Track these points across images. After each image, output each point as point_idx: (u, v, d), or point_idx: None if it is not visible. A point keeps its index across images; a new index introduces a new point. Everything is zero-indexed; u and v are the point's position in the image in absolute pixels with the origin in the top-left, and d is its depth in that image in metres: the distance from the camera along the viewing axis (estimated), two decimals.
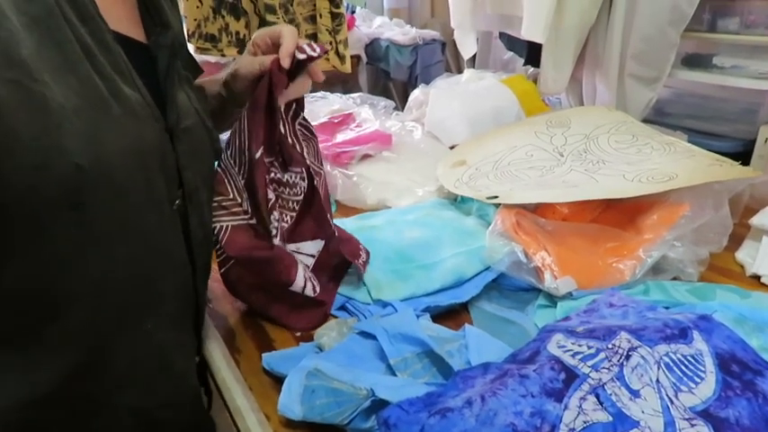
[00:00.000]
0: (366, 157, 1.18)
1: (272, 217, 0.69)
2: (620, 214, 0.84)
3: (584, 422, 0.46)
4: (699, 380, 0.50)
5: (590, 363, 0.50)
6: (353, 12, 3.52)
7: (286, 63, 0.66)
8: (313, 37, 1.73)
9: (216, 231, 0.68)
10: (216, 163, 0.70)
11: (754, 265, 0.80)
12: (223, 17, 1.69)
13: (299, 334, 0.71)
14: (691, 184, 0.77)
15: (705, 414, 0.47)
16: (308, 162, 0.74)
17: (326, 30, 1.70)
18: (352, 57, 2.01)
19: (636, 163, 0.90)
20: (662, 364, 0.51)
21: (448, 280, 0.77)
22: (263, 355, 0.64)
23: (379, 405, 0.52)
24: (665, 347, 0.52)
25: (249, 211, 0.70)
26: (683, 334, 0.54)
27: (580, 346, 0.53)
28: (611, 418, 0.46)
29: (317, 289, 0.72)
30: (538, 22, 1.26)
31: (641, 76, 1.28)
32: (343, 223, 0.91)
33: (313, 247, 0.76)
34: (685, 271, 0.75)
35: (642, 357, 0.50)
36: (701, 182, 0.77)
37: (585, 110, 1.29)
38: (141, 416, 0.56)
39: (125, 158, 0.48)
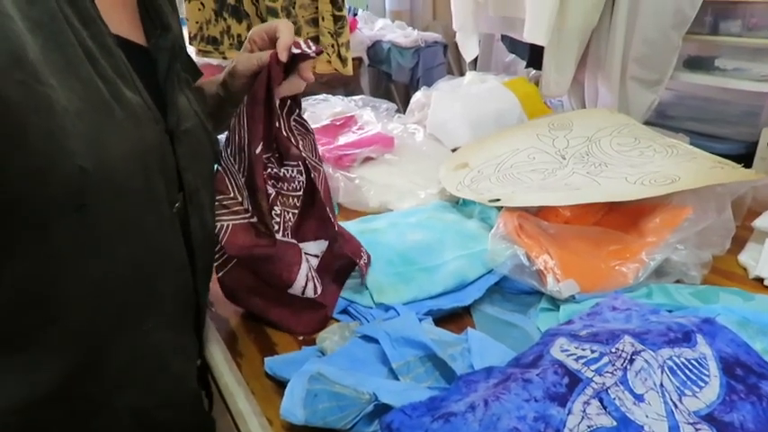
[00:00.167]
0: (368, 159, 1.18)
1: (272, 212, 0.69)
2: (622, 217, 0.84)
3: (588, 427, 0.45)
4: (703, 384, 0.50)
5: (593, 367, 0.50)
6: (355, 14, 3.52)
7: (284, 56, 0.66)
8: (315, 40, 1.73)
9: (216, 231, 0.68)
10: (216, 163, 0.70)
11: (757, 267, 0.79)
12: (225, 20, 1.69)
13: (301, 338, 0.71)
14: (693, 186, 0.77)
15: (709, 418, 0.47)
16: (303, 155, 0.74)
17: (328, 32, 1.70)
18: (353, 59, 2.01)
19: (638, 166, 0.90)
20: (666, 368, 0.50)
21: (450, 283, 0.77)
22: (266, 358, 0.64)
23: (381, 409, 0.51)
24: (668, 351, 0.52)
25: (250, 209, 0.70)
26: (686, 337, 0.54)
27: (583, 350, 0.52)
28: (615, 423, 0.46)
29: (319, 289, 0.72)
30: (540, 25, 1.26)
31: (643, 79, 1.28)
32: (346, 226, 0.90)
33: (316, 247, 0.76)
34: (688, 274, 0.75)
35: (646, 361, 0.50)
36: (704, 185, 0.77)
37: (587, 112, 1.29)
38: (140, 416, 0.56)
39: (127, 161, 0.48)
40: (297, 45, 0.68)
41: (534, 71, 1.63)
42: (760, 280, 0.79)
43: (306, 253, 0.74)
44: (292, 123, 0.74)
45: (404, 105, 1.66)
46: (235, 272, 0.72)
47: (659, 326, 0.55)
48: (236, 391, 0.62)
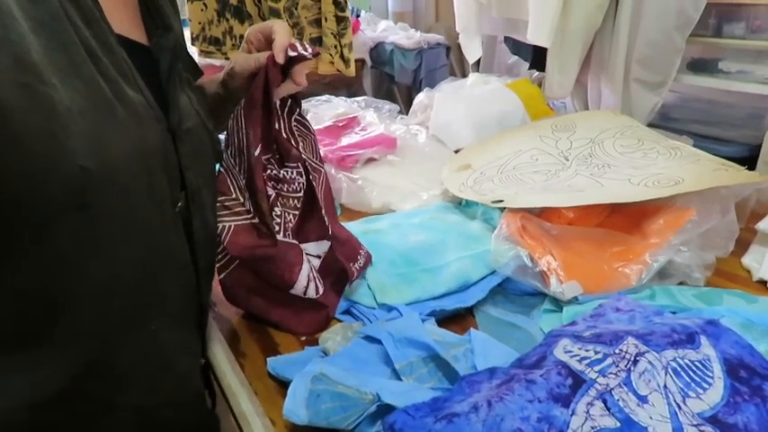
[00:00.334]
0: (371, 160, 1.18)
1: (273, 213, 0.69)
2: (625, 218, 0.84)
3: (592, 428, 0.45)
4: (707, 385, 0.50)
5: (597, 368, 0.50)
6: (358, 15, 3.52)
7: (280, 58, 0.67)
8: (318, 40, 1.73)
9: (219, 231, 0.68)
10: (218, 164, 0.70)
11: (761, 270, 0.79)
12: (227, 20, 1.69)
13: (303, 338, 0.71)
14: (697, 188, 0.77)
15: (713, 420, 0.47)
16: (303, 157, 0.73)
17: (331, 33, 1.70)
18: (356, 60, 2.01)
19: (641, 167, 0.89)
20: (669, 370, 0.50)
21: (453, 284, 0.77)
22: (268, 359, 0.64)
23: (384, 410, 0.51)
24: (672, 353, 0.52)
25: (251, 210, 0.70)
26: (690, 339, 0.54)
27: (587, 351, 0.52)
28: (618, 424, 0.46)
29: (321, 290, 0.72)
30: (543, 26, 1.26)
31: (647, 81, 1.28)
32: (348, 227, 0.90)
33: (317, 248, 0.76)
34: (692, 276, 0.75)
35: (649, 363, 0.50)
36: (708, 187, 0.77)
37: (591, 114, 1.29)
38: (144, 415, 0.56)
39: (129, 160, 0.48)
40: (293, 47, 0.68)
41: (537, 73, 1.64)
42: (763, 282, 0.78)
43: (307, 253, 0.73)
44: (293, 124, 0.74)
45: (406, 107, 1.66)
46: (236, 273, 0.72)
47: (663, 327, 0.55)
48: (239, 391, 0.62)
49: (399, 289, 0.76)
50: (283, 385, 0.60)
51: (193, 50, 1.68)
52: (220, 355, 0.68)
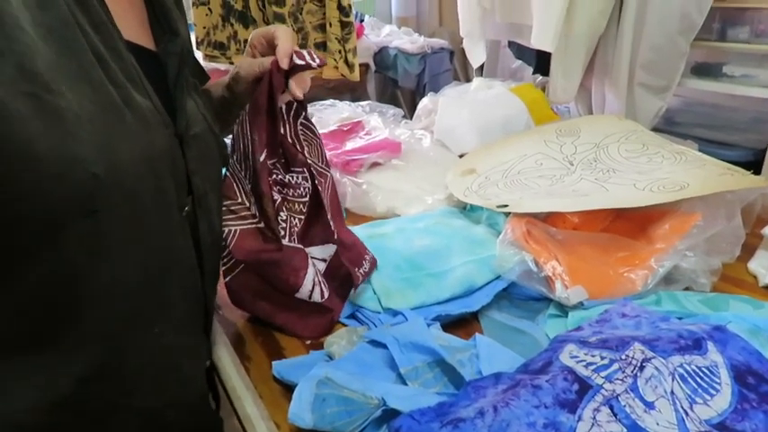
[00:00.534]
0: (375, 165, 1.18)
1: (279, 218, 0.69)
2: (631, 223, 0.84)
3: None
4: (714, 392, 0.50)
5: (603, 374, 0.50)
6: (362, 20, 3.53)
7: (284, 64, 0.67)
8: (322, 45, 1.74)
9: (224, 236, 0.68)
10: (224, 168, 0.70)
11: (767, 275, 0.79)
12: (232, 25, 1.70)
13: (308, 342, 0.71)
14: (702, 193, 0.77)
15: (721, 427, 0.47)
16: (309, 162, 0.74)
17: (336, 38, 1.71)
18: (360, 65, 2.02)
19: (646, 172, 0.89)
20: (676, 376, 0.50)
21: (458, 289, 0.77)
22: (274, 363, 0.64)
23: (390, 414, 0.51)
24: (679, 358, 0.52)
25: (257, 214, 0.70)
26: (697, 345, 0.53)
27: (593, 356, 0.52)
28: (625, 430, 0.45)
29: (326, 294, 0.72)
30: (547, 31, 1.26)
31: (651, 85, 1.28)
32: (353, 231, 0.91)
33: (323, 252, 0.75)
34: (698, 281, 0.74)
35: (656, 368, 0.50)
36: (713, 191, 0.77)
37: (595, 119, 1.29)
38: (150, 417, 0.56)
39: (137, 165, 0.48)
40: (300, 56, 0.68)
41: (541, 77, 1.64)
42: None
43: (312, 257, 0.73)
44: (299, 128, 0.74)
45: (410, 111, 1.66)
46: (242, 276, 0.72)
47: (669, 333, 0.55)
48: (244, 395, 0.62)
49: (404, 293, 0.76)
50: (288, 389, 0.60)
51: (198, 55, 1.69)
52: (226, 358, 0.68)
